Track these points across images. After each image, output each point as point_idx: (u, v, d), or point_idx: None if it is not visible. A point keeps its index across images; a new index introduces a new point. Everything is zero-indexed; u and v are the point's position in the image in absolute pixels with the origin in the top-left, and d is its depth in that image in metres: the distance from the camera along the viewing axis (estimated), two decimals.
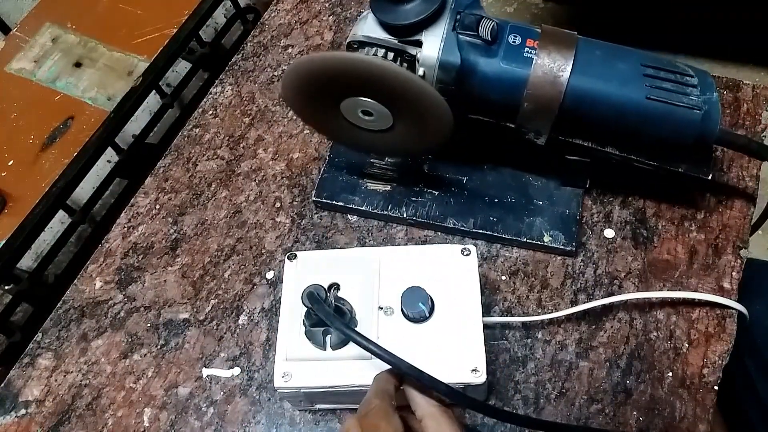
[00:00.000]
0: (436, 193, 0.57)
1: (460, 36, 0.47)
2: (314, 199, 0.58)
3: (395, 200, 0.57)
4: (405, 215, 0.56)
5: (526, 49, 0.47)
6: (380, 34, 0.47)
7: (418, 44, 0.47)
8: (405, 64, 0.48)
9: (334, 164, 0.60)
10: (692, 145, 0.48)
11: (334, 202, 0.58)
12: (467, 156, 0.58)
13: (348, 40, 0.48)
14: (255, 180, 0.62)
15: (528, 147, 0.51)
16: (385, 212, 0.56)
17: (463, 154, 0.58)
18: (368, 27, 0.48)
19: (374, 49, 0.48)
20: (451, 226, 0.55)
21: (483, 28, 0.47)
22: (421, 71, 0.47)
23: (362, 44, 0.48)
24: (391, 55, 0.48)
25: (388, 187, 0.58)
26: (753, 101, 0.61)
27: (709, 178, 0.50)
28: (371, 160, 0.59)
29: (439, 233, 0.56)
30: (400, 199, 0.57)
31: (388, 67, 0.44)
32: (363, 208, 0.57)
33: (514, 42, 0.47)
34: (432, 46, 0.46)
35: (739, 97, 0.61)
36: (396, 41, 0.47)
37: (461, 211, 0.56)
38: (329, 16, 0.73)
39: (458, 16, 0.47)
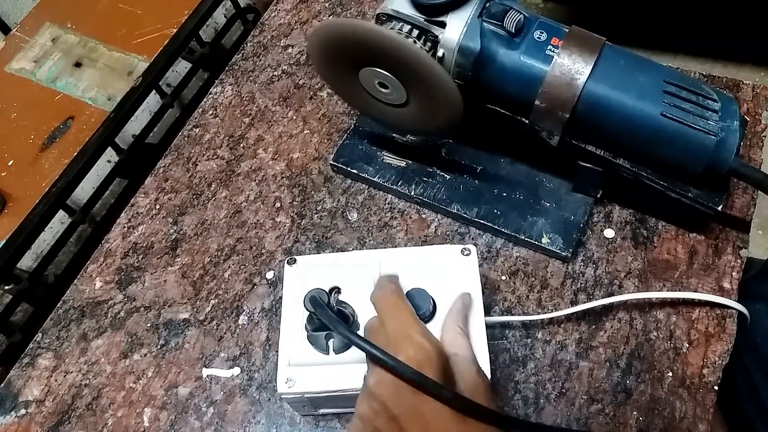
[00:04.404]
0: (448, 177, 0.58)
1: (485, 24, 0.47)
2: (331, 162, 0.60)
3: (407, 177, 0.58)
4: (413, 193, 0.57)
5: (550, 47, 0.47)
6: (408, 10, 0.48)
7: (443, 25, 0.47)
8: (428, 44, 0.48)
9: (358, 132, 0.61)
10: (703, 171, 0.47)
11: (349, 168, 0.59)
12: (486, 146, 0.59)
13: (377, 12, 0.49)
14: (255, 180, 0.62)
15: (544, 147, 0.51)
16: (395, 187, 0.57)
17: (483, 143, 0.59)
18: (398, 2, 0.48)
19: (400, 24, 0.48)
20: (455, 211, 0.56)
21: (509, 20, 0.47)
22: (440, 53, 0.48)
23: (390, 18, 0.48)
24: (415, 32, 0.48)
25: (403, 164, 0.59)
26: (753, 101, 0.61)
27: (719, 209, 0.49)
28: (393, 135, 0.60)
29: (441, 228, 0.56)
30: (411, 176, 0.58)
31: (402, 42, 0.44)
32: (375, 179, 0.58)
33: (539, 38, 0.47)
34: (455, 29, 0.47)
35: (739, 97, 0.61)
36: (422, 19, 0.47)
37: (468, 198, 0.56)
38: (329, 16, 0.73)
39: (487, 4, 0.47)
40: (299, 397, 0.43)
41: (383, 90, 0.49)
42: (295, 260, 0.48)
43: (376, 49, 0.45)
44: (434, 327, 0.44)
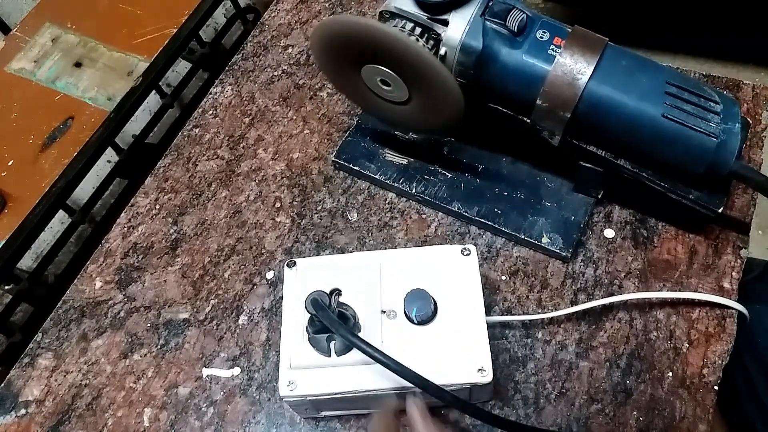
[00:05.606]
0: (450, 175, 0.58)
1: (487, 22, 0.47)
2: (333, 159, 0.60)
3: (408, 175, 0.58)
4: (414, 191, 0.57)
5: (552, 47, 0.47)
6: (411, 8, 0.48)
7: (445, 24, 0.47)
8: (430, 42, 0.48)
9: (360, 129, 0.61)
10: (704, 173, 0.47)
11: (351, 165, 0.59)
12: (488, 145, 0.59)
13: (380, 9, 0.49)
14: (255, 180, 0.62)
15: (546, 146, 0.51)
16: (396, 184, 0.58)
17: (485, 142, 0.59)
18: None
19: (403, 21, 0.48)
20: (455, 210, 0.56)
21: (511, 19, 0.47)
22: (443, 51, 0.48)
23: (393, 15, 0.48)
24: (418, 30, 0.48)
25: (404, 161, 0.59)
26: (753, 101, 0.61)
27: (720, 211, 0.49)
28: (395, 132, 0.60)
29: (441, 228, 0.56)
30: (413, 174, 0.58)
31: (404, 40, 0.44)
32: (376, 177, 0.58)
33: (541, 37, 0.47)
34: (457, 27, 0.47)
35: (739, 97, 0.61)
36: (425, 17, 0.48)
37: (469, 197, 0.56)
38: (329, 15, 0.73)
39: (490, 3, 0.47)
40: (301, 399, 0.43)
41: (385, 87, 0.50)
42: (295, 263, 0.48)
43: (378, 46, 0.45)
44: (435, 328, 0.44)
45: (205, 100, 0.68)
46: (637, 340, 0.50)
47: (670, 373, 0.48)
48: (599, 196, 0.55)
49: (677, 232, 0.55)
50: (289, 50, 0.71)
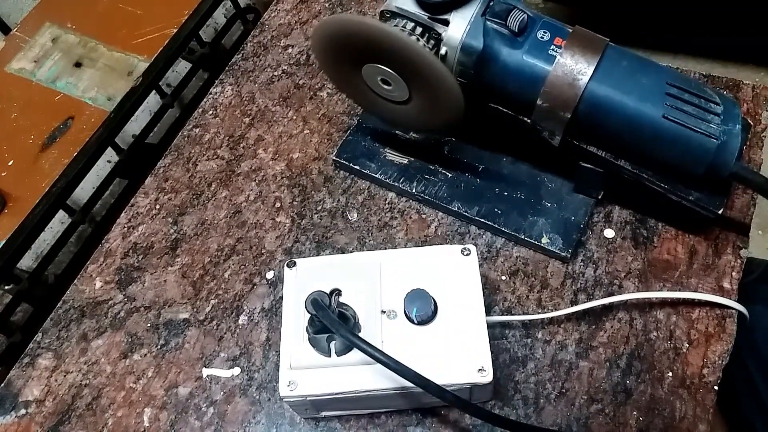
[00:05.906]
0: (450, 175, 0.58)
1: (488, 22, 0.47)
2: (334, 158, 0.60)
3: (409, 174, 0.58)
4: (414, 190, 0.57)
5: (553, 47, 0.47)
6: (412, 7, 0.48)
7: (446, 23, 0.47)
8: (431, 42, 0.48)
9: (361, 129, 0.61)
10: (704, 174, 0.47)
11: (351, 164, 0.59)
12: (488, 145, 0.59)
13: (380, 9, 0.49)
14: (255, 180, 0.62)
15: (546, 147, 0.51)
16: (397, 184, 0.58)
17: (485, 142, 0.59)
18: None
19: (404, 21, 0.48)
20: (455, 209, 0.56)
21: (512, 19, 0.47)
22: (443, 51, 0.48)
23: (393, 15, 0.49)
24: (419, 30, 0.48)
25: (405, 161, 0.59)
26: (753, 101, 0.61)
27: (720, 212, 0.49)
28: (395, 132, 0.60)
29: (441, 228, 0.56)
30: (413, 174, 0.58)
31: (405, 39, 0.44)
32: (377, 176, 0.58)
33: (542, 38, 0.47)
34: (458, 27, 0.47)
35: (739, 97, 0.61)
36: (426, 17, 0.48)
37: (469, 197, 0.56)
38: (329, 15, 0.73)
39: (491, 3, 0.47)
40: (301, 399, 0.43)
41: (386, 87, 0.50)
42: (295, 263, 0.48)
43: (379, 46, 0.45)
44: (435, 328, 0.44)
45: (205, 100, 0.68)
46: (637, 340, 0.50)
47: (670, 373, 0.48)
48: (599, 197, 0.55)
49: (677, 232, 0.55)
50: (289, 50, 0.71)
